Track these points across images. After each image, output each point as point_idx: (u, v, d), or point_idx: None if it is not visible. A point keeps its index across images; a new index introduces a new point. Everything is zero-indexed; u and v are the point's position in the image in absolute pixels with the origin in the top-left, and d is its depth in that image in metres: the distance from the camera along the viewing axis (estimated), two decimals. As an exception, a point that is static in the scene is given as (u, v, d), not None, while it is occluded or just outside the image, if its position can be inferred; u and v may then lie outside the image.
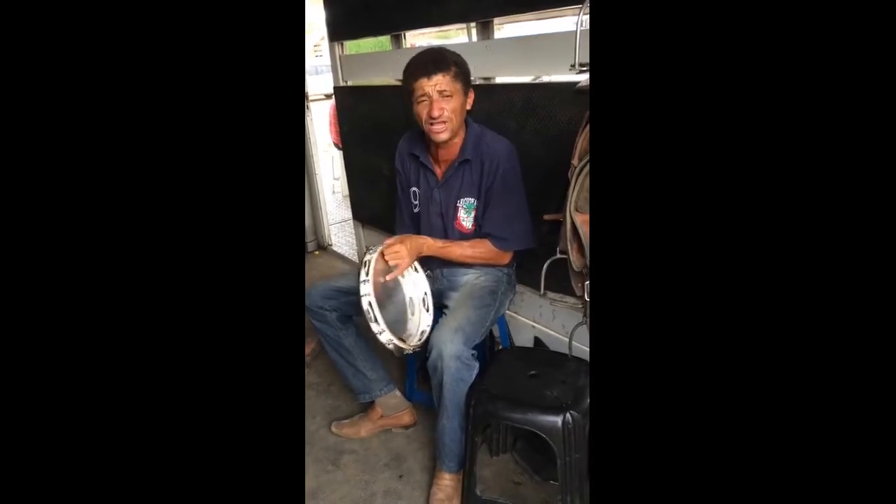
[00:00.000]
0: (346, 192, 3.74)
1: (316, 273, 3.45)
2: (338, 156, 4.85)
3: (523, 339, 2.18)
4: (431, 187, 1.79)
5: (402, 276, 1.74)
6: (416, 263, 1.76)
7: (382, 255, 1.61)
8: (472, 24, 2.13)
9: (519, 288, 1.98)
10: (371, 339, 1.93)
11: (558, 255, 1.48)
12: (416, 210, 1.87)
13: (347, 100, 3.12)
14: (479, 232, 1.75)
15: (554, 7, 1.76)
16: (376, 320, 1.46)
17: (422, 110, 1.62)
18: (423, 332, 1.69)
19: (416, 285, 1.77)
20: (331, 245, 4.00)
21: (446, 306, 1.76)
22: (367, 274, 1.49)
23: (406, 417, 2.00)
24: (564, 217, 1.38)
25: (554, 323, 2.07)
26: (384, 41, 2.81)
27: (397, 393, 1.98)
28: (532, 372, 1.60)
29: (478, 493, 1.60)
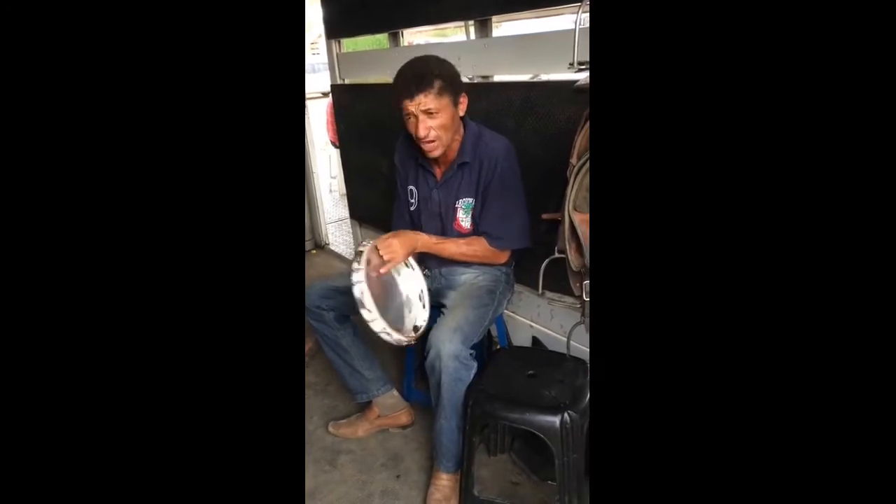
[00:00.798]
0: (344, 190, 3.73)
1: (313, 272, 3.44)
2: (335, 154, 4.85)
3: (521, 339, 2.17)
4: (430, 188, 1.78)
5: (398, 274, 1.74)
6: (412, 260, 1.75)
7: (377, 248, 1.61)
8: (470, 22, 2.13)
9: (517, 287, 1.98)
10: (369, 338, 1.94)
11: (556, 255, 1.48)
12: (412, 208, 1.86)
13: (345, 98, 3.11)
14: (476, 231, 1.75)
15: (552, 5, 1.76)
16: (367, 307, 1.46)
17: (411, 127, 1.61)
18: (417, 328, 1.68)
19: (411, 282, 1.76)
20: (328, 244, 3.99)
21: (444, 305, 1.75)
22: (359, 263, 1.49)
23: (403, 417, 1.99)
24: (563, 216, 1.37)
25: (552, 322, 2.06)
26: (382, 39, 2.80)
27: (395, 393, 1.98)
28: (530, 372, 1.59)
29: (475, 493, 1.59)
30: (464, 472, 1.60)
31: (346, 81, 3.05)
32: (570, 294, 1.62)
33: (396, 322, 1.63)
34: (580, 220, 1.32)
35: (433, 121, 1.57)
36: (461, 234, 1.77)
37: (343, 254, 3.82)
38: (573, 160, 1.35)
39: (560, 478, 1.43)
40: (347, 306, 1.82)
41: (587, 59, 1.33)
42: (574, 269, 1.38)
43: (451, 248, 1.73)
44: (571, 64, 1.41)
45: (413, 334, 1.64)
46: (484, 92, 2.02)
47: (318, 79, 3.75)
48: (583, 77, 1.35)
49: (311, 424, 2.06)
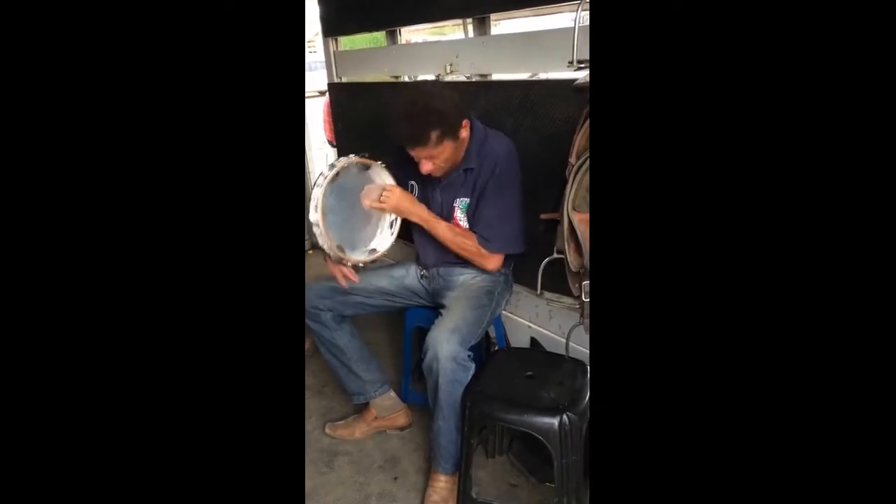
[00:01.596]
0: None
1: (310, 272, 3.42)
2: (332, 153, 4.82)
3: (519, 340, 2.16)
4: (434, 187, 1.76)
5: (379, 180, 1.76)
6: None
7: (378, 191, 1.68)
8: (469, 20, 2.12)
9: (515, 288, 1.97)
10: (366, 339, 1.93)
11: (555, 255, 1.47)
12: None
13: (342, 97, 3.09)
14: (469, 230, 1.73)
15: (551, 3, 1.75)
16: (316, 224, 1.54)
17: (414, 158, 1.61)
18: (373, 250, 1.75)
19: None
20: (325, 243, 3.97)
21: (443, 306, 1.73)
22: (323, 178, 1.56)
23: (401, 419, 1.98)
24: (562, 216, 1.36)
25: (551, 323, 2.05)
26: (379, 37, 2.78)
27: (392, 394, 1.96)
28: (528, 373, 1.58)
29: (473, 495, 1.58)
30: (462, 473, 1.59)
31: (344, 80, 3.04)
32: (569, 295, 1.62)
33: (352, 234, 1.72)
34: (579, 220, 1.31)
35: (436, 161, 1.59)
36: None
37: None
38: (572, 160, 1.34)
39: (559, 480, 1.42)
40: (345, 306, 1.81)
41: (586, 57, 1.33)
42: (573, 269, 1.37)
43: (443, 230, 1.71)
44: (570, 62, 1.40)
45: (367, 257, 1.71)
46: (482, 91, 2.01)
47: (314, 77, 3.73)
48: (582, 75, 1.34)
49: (309, 425, 2.04)
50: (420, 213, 1.71)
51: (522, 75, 2.12)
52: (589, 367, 1.52)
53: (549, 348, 2.01)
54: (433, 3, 2.19)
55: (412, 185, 1.82)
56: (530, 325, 2.15)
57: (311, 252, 3.86)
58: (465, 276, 1.80)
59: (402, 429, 1.98)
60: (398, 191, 1.70)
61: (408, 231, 1.84)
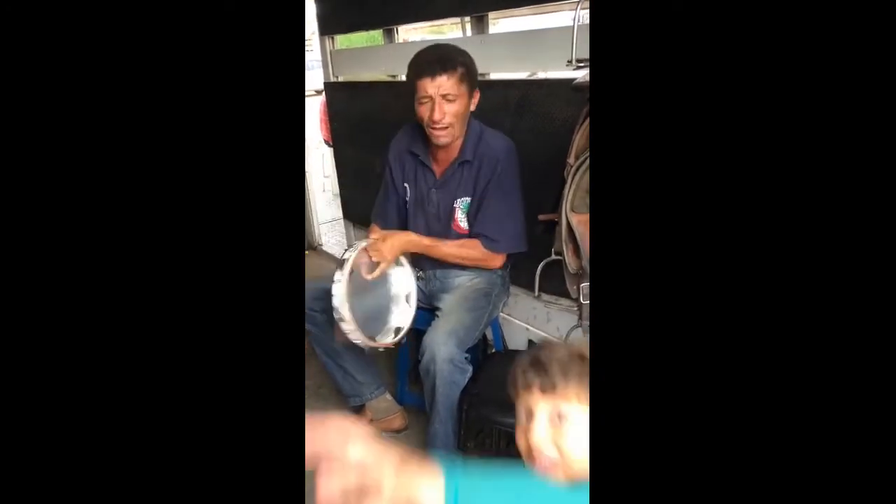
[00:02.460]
0: (337, 190, 3.70)
1: (306, 273, 3.41)
2: (328, 153, 4.81)
3: (517, 342, 2.15)
4: (429, 187, 1.74)
5: (388, 271, 1.71)
6: (403, 258, 1.72)
7: (366, 251, 1.59)
8: (467, 19, 2.10)
9: (513, 290, 1.95)
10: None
11: (553, 257, 1.45)
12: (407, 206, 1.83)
13: (338, 96, 3.08)
14: (471, 232, 1.71)
15: (550, 1, 1.73)
16: (345, 320, 1.48)
17: (424, 112, 1.57)
18: (398, 329, 1.67)
19: (400, 280, 1.74)
20: (321, 245, 3.95)
21: (439, 308, 1.72)
22: (340, 274, 1.48)
23: (397, 422, 1.95)
24: (560, 217, 1.35)
25: (548, 326, 2.04)
26: (376, 35, 2.77)
27: (388, 396, 1.95)
28: (526, 376, 1.56)
29: (470, 499, 1.56)
30: (458, 477, 1.57)
31: (340, 79, 3.02)
32: (567, 297, 1.60)
33: (377, 322, 1.63)
34: (578, 222, 1.30)
35: (450, 107, 1.55)
36: (459, 236, 1.73)
37: (336, 255, 3.79)
38: (571, 160, 1.32)
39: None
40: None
41: (586, 56, 1.31)
42: (571, 271, 1.36)
43: (445, 249, 1.69)
44: (570, 61, 1.38)
45: (394, 337, 1.63)
46: (480, 90, 1.99)
47: (311, 76, 3.72)
48: (581, 75, 1.32)
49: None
50: (416, 243, 1.69)
51: (521, 74, 2.11)
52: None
53: (546, 350, 2.00)
54: (431, 1, 2.17)
55: (405, 187, 1.80)
56: (528, 327, 2.13)
57: (306, 253, 3.86)
58: (461, 279, 1.78)
59: (398, 431, 1.96)
60: (385, 234, 1.65)
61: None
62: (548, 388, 0.77)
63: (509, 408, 1.47)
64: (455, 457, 1.58)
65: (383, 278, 1.69)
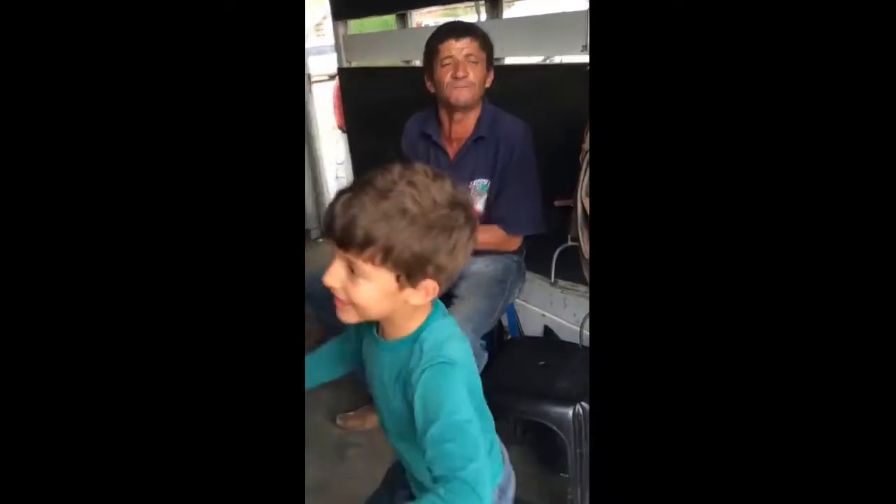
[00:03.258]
0: (351, 176, 3.70)
1: (319, 259, 3.42)
2: (342, 139, 4.80)
3: (533, 329, 2.14)
4: (442, 168, 1.74)
5: None
6: None
7: None
8: (481, 3, 2.08)
9: (529, 276, 1.94)
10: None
11: (569, 243, 1.45)
12: None
13: (351, 82, 3.07)
14: (488, 215, 1.70)
15: (565, -16, 1.71)
16: None
17: (445, 73, 1.59)
18: None
19: None
20: (336, 230, 3.96)
21: (455, 295, 1.72)
22: None
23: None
24: (575, 203, 1.34)
25: (565, 312, 2.03)
26: (389, 20, 2.74)
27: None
28: (542, 362, 1.57)
29: (486, 484, 1.58)
30: (474, 463, 1.58)
31: (353, 64, 3.00)
32: (584, 283, 1.60)
33: None
34: (594, 208, 1.28)
35: (472, 69, 1.58)
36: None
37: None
38: (585, 145, 1.31)
39: (572, 470, 1.42)
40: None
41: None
42: (587, 257, 1.35)
43: None
44: (584, 46, 1.36)
45: None
46: (495, 74, 1.98)
47: (324, 61, 3.72)
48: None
49: (319, 416, 2.04)
50: None
51: (536, 59, 2.09)
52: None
53: (562, 337, 2.00)
54: (444, -15, 2.15)
55: None
56: (544, 313, 2.13)
57: (320, 240, 3.87)
58: (477, 265, 1.77)
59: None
60: None
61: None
62: None
63: (525, 395, 1.47)
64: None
65: None
